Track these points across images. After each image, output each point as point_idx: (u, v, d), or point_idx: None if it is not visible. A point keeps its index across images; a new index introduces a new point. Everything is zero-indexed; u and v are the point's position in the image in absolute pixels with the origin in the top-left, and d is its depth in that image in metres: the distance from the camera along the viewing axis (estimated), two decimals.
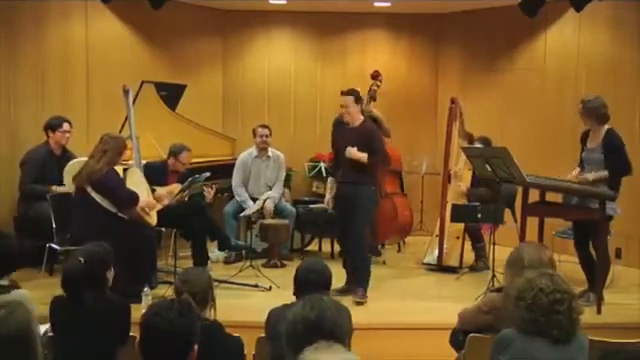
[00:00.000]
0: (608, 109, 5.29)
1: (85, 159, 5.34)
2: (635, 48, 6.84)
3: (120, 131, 6.25)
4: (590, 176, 5.29)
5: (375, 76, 7.11)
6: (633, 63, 6.85)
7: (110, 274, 3.50)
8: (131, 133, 6.02)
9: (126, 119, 6.23)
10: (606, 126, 5.32)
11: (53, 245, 5.48)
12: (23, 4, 6.59)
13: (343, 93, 5.65)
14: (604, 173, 5.25)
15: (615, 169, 5.24)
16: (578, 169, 5.52)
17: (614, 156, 5.24)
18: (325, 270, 3.41)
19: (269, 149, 7.10)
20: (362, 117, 5.68)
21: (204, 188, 6.20)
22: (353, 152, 5.52)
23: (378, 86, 7.12)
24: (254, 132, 7.07)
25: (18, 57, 6.59)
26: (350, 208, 5.52)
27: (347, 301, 5.11)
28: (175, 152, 6.34)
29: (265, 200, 6.66)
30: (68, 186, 5.52)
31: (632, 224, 6.54)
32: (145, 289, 4.86)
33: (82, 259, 3.39)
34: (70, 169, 5.48)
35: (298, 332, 2.19)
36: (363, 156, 5.50)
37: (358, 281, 5.54)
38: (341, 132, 5.80)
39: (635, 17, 6.83)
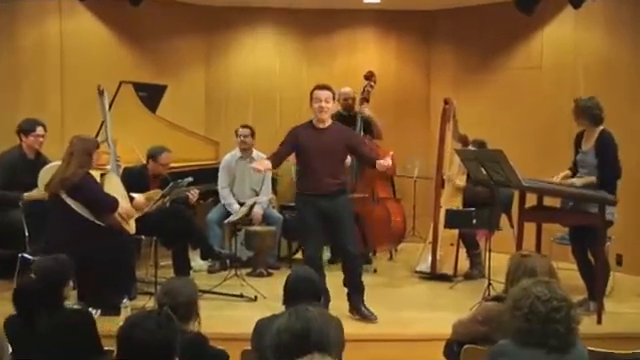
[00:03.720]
0: (603, 111, 5.31)
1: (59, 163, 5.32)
2: (633, 45, 6.89)
3: (97, 135, 6.23)
4: (577, 181, 5.32)
5: (369, 77, 7.13)
6: (630, 61, 6.89)
7: (68, 289, 3.44)
8: (107, 136, 6.00)
9: (103, 122, 6.20)
10: (600, 127, 5.35)
11: (25, 255, 5.44)
12: None
13: (322, 87, 5.31)
14: (591, 179, 5.28)
15: (605, 171, 5.26)
16: (567, 172, 5.56)
17: (604, 157, 5.27)
18: (316, 280, 3.41)
19: (253, 150, 7.10)
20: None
21: (189, 193, 6.18)
22: (386, 163, 5.22)
23: (372, 87, 7.15)
24: (236, 133, 7.09)
25: None
26: (334, 223, 5.27)
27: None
28: (154, 154, 6.30)
29: (252, 205, 6.64)
30: (41, 192, 5.48)
31: (633, 230, 6.58)
32: (124, 301, 4.82)
33: (33, 274, 3.33)
34: (44, 174, 5.45)
35: (284, 343, 2.19)
36: (389, 161, 5.26)
37: (362, 299, 5.37)
38: (309, 135, 5.27)
39: (632, 14, 6.88)
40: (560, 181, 5.49)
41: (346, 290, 5.39)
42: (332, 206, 5.23)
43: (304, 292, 3.25)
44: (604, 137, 5.30)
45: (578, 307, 2.81)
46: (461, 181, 6.71)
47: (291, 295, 3.30)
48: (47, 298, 3.30)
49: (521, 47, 7.81)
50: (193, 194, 6.21)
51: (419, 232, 7.93)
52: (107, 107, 6.09)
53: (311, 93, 5.33)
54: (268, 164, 5.22)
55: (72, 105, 7.17)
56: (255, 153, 7.12)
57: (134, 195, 5.77)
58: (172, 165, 6.58)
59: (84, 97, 6.83)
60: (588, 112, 5.31)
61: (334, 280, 5.39)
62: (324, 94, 5.26)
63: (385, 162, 5.24)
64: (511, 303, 2.67)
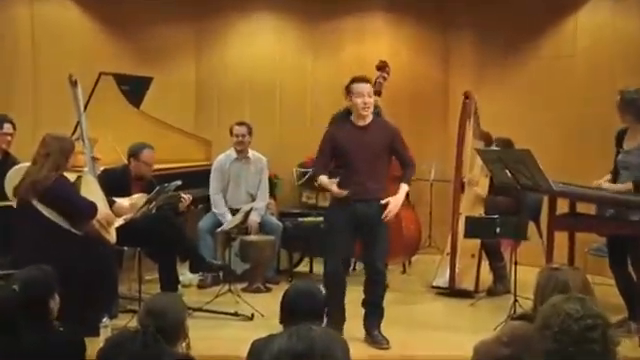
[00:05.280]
0: None
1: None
2: None
3: (73, 133, 6.23)
4: (622, 187, 5.28)
5: (381, 67, 7.11)
6: None
7: (54, 303, 3.44)
8: (82, 133, 6.00)
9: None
10: None
11: None
12: None
13: (363, 80, 5.25)
14: (628, 185, 5.23)
15: None
16: (609, 176, 5.53)
17: None
18: (317, 295, 3.40)
19: (249, 151, 7.10)
20: None
21: (183, 197, 6.17)
22: (394, 208, 5.18)
23: (385, 79, 7.13)
24: (231, 131, 7.08)
25: None
26: (368, 234, 5.24)
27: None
28: (135, 152, 6.28)
29: (248, 212, 6.64)
30: (10, 197, 5.46)
31: None
32: (104, 320, 4.82)
33: (16, 286, 3.32)
34: (12, 177, 5.43)
35: None
36: (399, 200, 5.21)
37: (379, 320, 5.35)
38: (349, 134, 5.24)
39: None
40: (607, 184, 5.44)
41: (363, 310, 5.37)
42: (371, 214, 5.19)
43: (304, 309, 3.23)
44: None
45: (617, 328, 2.78)
46: (483, 189, 6.69)
47: (289, 312, 3.28)
48: (31, 311, 3.29)
49: (551, 34, 7.79)
50: (186, 199, 6.21)
51: (436, 242, 7.93)
52: (81, 100, 6.08)
53: (348, 87, 5.27)
54: (334, 181, 5.18)
55: (45, 100, 7.18)
56: (251, 153, 7.12)
57: (116, 199, 5.76)
58: (159, 167, 6.59)
59: (59, 90, 6.81)
60: (635, 105, 5.27)
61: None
62: (366, 87, 5.22)
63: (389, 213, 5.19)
64: (540, 322, 2.64)
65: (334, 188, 5.14)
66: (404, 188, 5.27)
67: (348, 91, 5.26)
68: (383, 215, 5.16)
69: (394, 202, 5.19)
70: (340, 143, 5.24)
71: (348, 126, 5.30)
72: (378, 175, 5.24)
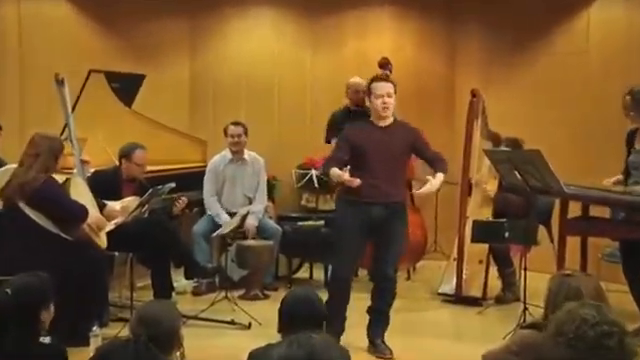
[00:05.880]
0: None
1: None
2: None
3: (61, 133, 6.23)
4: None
5: (383, 64, 7.11)
6: None
7: (47, 314, 3.43)
8: (70, 134, 5.99)
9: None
10: None
11: None
12: None
13: (382, 79, 5.28)
14: None
15: None
16: (619, 176, 5.53)
17: None
18: (317, 302, 3.39)
19: (245, 151, 7.10)
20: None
21: (177, 200, 6.17)
22: (428, 190, 5.17)
23: (387, 76, 7.14)
24: (225, 131, 7.08)
25: None
26: (382, 238, 5.22)
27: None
28: (126, 152, 6.26)
29: (245, 216, 6.63)
30: None
31: None
32: (94, 328, 4.82)
33: (9, 290, 3.32)
34: None
35: None
36: (435, 185, 5.15)
37: (384, 329, 5.35)
38: (368, 134, 5.21)
39: None
40: (613, 185, 5.46)
41: (368, 317, 5.36)
42: (388, 216, 5.16)
43: (303, 317, 3.22)
44: None
45: (633, 336, 2.77)
46: (492, 188, 6.68)
47: (288, 320, 3.28)
48: (22, 319, 3.28)
49: (563, 30, 7.78)
50: (181, 201, 6.20)
51: (442, 247, 7.93)
52: (68, 99, 6.08)
53: (368, 87, 5.27)
54: (346, 170, 5.13)
55: (33, 100, 7.17)
56: (247, 154, 7.11)
57: (106, 202, 5.75)
58: (152, 168, 6.58)
59: (47, 89, 6.82)
60: None
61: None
62: (386, 87, 5.19)
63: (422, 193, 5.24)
64: (554, 329, 2.64)
65: (346, 177, 5.01)
66: (440, 176, 5.17)
67: (368, 91, 5.26)
68: (418, 190, 5.20)
69: (430, 185, 5.13)
70: (358, 143, 5.19)
71: (367, 126, 5.29)
72: (396, 178, 5.23)
